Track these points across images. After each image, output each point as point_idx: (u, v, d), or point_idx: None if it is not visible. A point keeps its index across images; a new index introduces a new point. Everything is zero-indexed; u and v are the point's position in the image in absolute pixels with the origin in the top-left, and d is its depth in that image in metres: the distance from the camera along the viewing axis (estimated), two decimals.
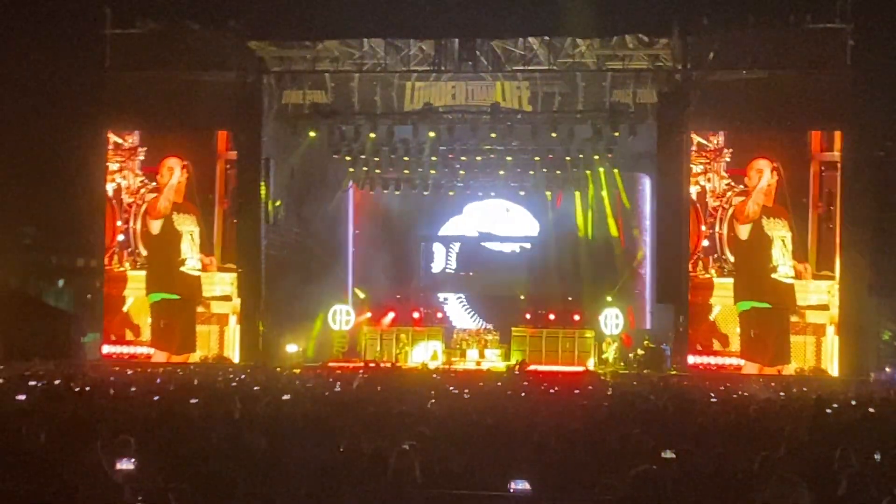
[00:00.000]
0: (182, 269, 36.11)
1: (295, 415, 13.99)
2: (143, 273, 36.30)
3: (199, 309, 35.91)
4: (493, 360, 35.36)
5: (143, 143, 36.45)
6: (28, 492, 7.92)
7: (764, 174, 34.11)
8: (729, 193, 34.46)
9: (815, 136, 34.20)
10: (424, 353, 35.72)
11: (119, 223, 36.47)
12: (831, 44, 33.17)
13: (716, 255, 34.46)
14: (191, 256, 36.12)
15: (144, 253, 36.35)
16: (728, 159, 34.43)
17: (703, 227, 34.45)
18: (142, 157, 36.51)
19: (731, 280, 34.31)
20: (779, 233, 34.07)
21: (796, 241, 33.94)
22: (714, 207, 34.51)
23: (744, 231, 34.31)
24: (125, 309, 36.21)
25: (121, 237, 36.43)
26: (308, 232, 38.81)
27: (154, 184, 36.39)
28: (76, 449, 10.10)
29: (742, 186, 34.34)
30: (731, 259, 34.32)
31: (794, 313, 33.83)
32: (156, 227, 36.34)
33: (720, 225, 34.44)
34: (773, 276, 34.02)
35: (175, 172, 36.18)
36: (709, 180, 34.58)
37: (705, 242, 34.45)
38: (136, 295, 36.30)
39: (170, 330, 35.77)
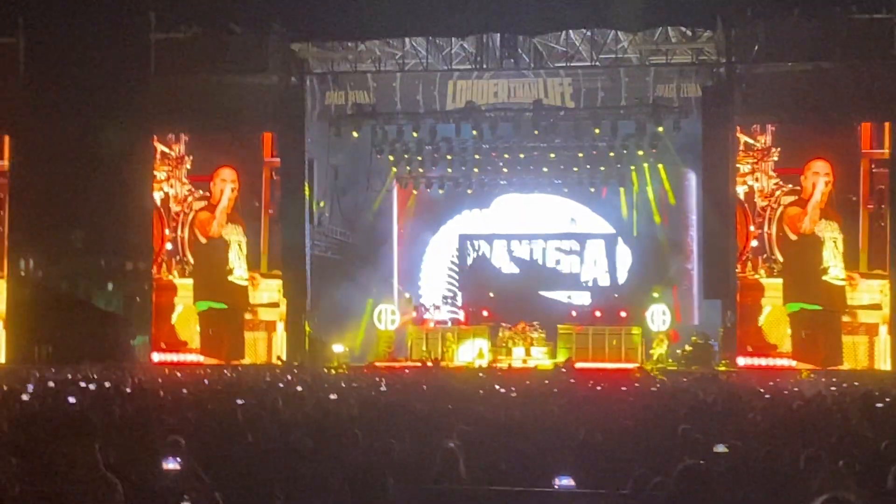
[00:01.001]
0: (229, 278, 36.26)
1: (341, 414, 14.04)
2: (191, 281, 36.53)
3: (247, 316, 36.02)
4: (540, 358, 35.26)
5: (190, 152, 36.68)
6: (76, 492, 7.98)
7: (818, 184, 33.71)
8: (778, 193, 34.17)
9: (865, 132, 33.83)
10: (471, 352, 35.69)
11: (167, 231, 36.74)
12: (878, 34, 32.83)
13: (765, 256, 34.16)
14: (238, 266, 36.28)
15: (192, 261, 36.60)
16: (776, 158, 34.12)
17: (752, 228, 34.17)
18: (188, 166, 36.76)
19: (780, 280, 34.03)
20: (830, 234, 33.70)
21: (847, 244, 33.58)
22: (763, 207, 34.20)
23: (793, 235, 34.02)
24: (174, 317, 36.45)
25: (169, 245, 36.72)
26: (352, 232, 38.93)
27: (201, 192, 36.58)
28: (128, 450, 10.18)
29: (790, 186, 34.00)
30: (781, 259, 34.06)
31: (846, 314, 33.47)
32: (203, 237, 36.64)
33: (769, 225, 34.15)
34: (824, 277, 33.66)
35: (227, 191, 36.35)
36: (757, 180, 34.27)
37: (754, 243, 34.16)
38: (184, 303, 36.54)
39: (218, 338, 35.93)
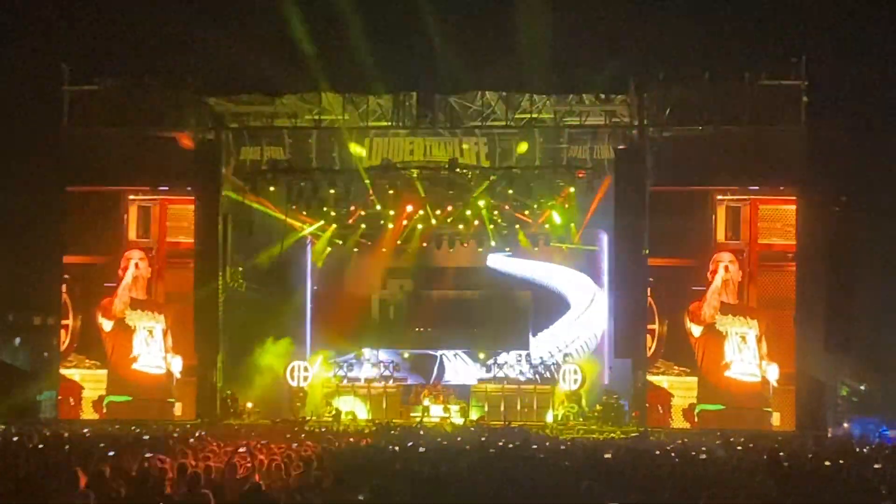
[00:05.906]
0: (134, 366, 35.44)
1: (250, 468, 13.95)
2: (82, 371, 35.61)
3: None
4: (454, 417, 35.24)
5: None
6: None
7: (719, 271, 34.24)
8: None
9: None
10: (385, 410, 35.68)
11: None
12: (787, 100, 33.61)
13: (661, 353, 34.38)
14: (146, 353, 35.48)
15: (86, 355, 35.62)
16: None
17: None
18: None
19: (677, 379, 34.18)
20: (737, 329, 33.98)
21: (763, 340, 33.80)
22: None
23: (696, 329, 34.32)
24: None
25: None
26: (266, 288, 38.68)
27: None
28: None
29: None
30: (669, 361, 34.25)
31: (754, 413, 33.33)
32: (107, 324, 35.68)
33: (660, 324, 34.30)
34: (727, 373, 33.88)
35: (130, 268, 35.76)
36: None
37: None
38: (92, 396, 35.43)
39: None
